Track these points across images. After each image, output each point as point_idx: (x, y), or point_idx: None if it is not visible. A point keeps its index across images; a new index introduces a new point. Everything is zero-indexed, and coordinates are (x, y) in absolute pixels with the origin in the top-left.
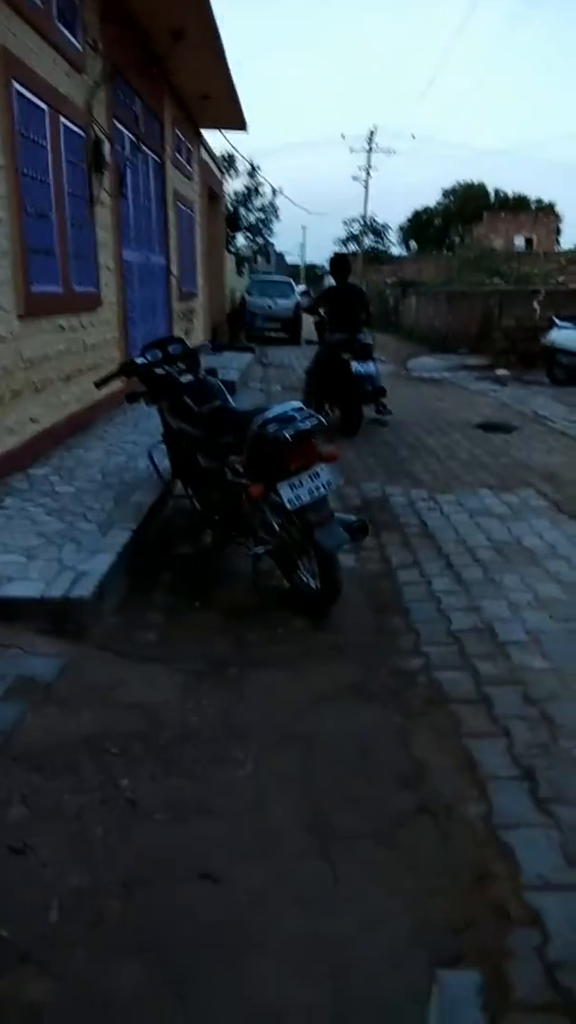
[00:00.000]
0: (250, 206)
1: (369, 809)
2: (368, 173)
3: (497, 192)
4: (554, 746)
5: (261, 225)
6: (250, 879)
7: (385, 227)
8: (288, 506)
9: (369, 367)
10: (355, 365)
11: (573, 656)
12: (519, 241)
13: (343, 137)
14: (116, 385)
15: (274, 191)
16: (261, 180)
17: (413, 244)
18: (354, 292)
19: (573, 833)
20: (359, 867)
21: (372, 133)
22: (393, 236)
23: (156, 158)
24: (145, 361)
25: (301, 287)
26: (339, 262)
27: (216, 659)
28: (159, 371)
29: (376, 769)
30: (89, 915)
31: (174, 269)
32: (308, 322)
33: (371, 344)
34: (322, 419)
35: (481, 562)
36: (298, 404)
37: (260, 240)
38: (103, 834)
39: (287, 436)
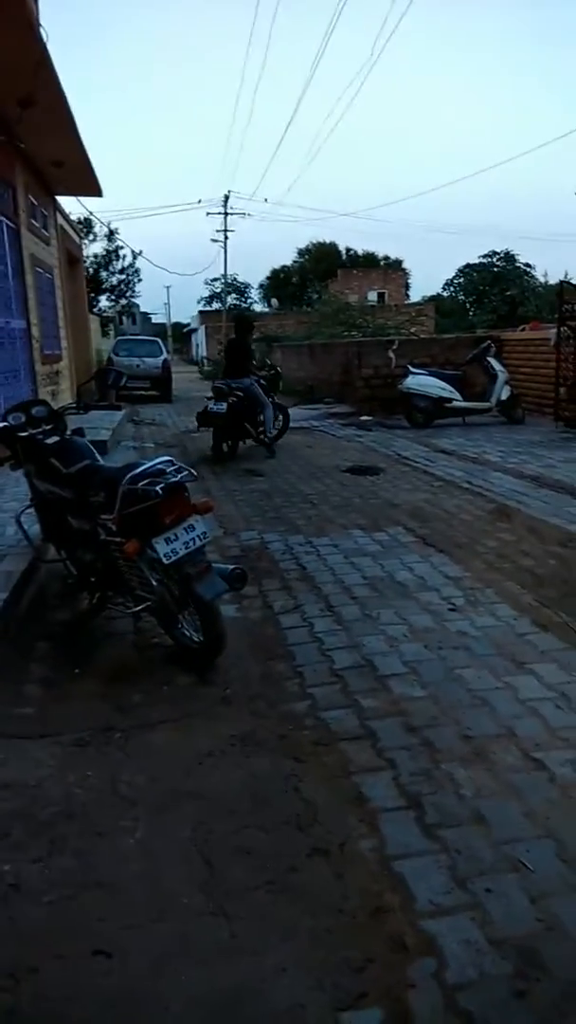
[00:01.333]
0: (111, 268)
1: (263, 858)
2: (226, 235)
3: (348, 250)
4: (436, 771)
5: (124, 287)
6: (147, 947)
7: (247, 286)
8: (165, 560)
9: (221, 406)
10: (210, 405)
11: (448, 682)
12: (372, 295)
13: (199, 201)
14: None
15: (134, 254)
16: (121, 243)
17: (275, 301)
18: (239, 346)
19: (459, 855)
20: (256, 918)
21: (227, 198)
22: (255, 294)
23: (11, 224)
24: (7, 425)
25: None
26: (237, 320)
27: (99, 726)
28: (22, 434)
29: (268, 817)
30: None
31: (35, 332)
32: (178, 379)
33: (224, 388)
34: (192, 471)
35: (358, 600)
36: (168, 458)
37: (124, 301)
38: None
39: (158, 491)
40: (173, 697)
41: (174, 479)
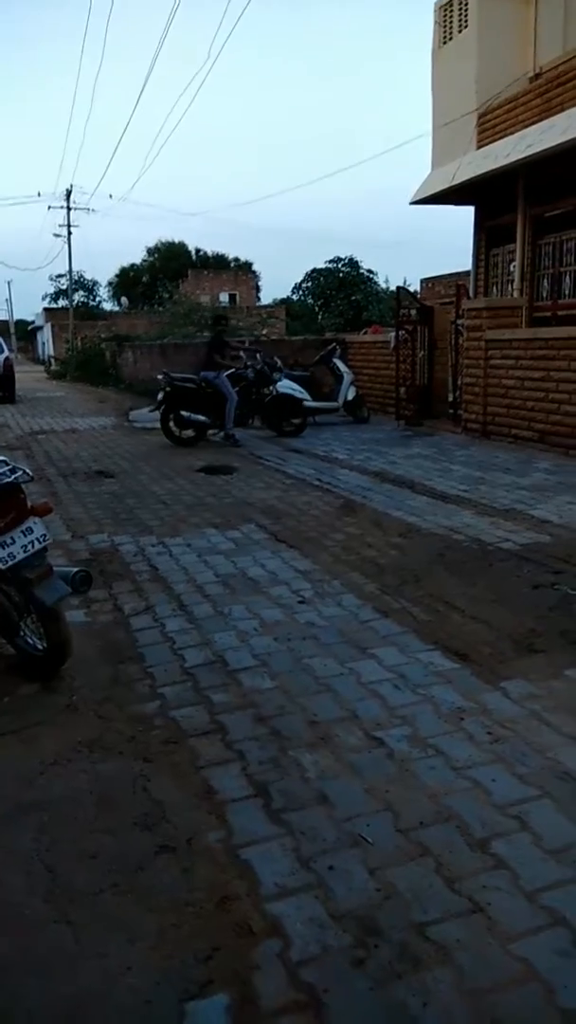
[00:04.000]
0: None
1: (109, 861)
2: (69, 231)
3: (198, 251)
4: (283, 758)
5: None
6: None
7: (95, 283)
8: (1, 565)
9: (160, 396)
10: (159, 395)
11: (296, 671)
12: (224, 297)
13: (39, 195)
14: None
15: None
16: None
17: (125, 300)
18: (210, 341)
19: (303, 836)
20: (101, 922)
21: (69, 192)
22: (103, 292)
23: None
24: None
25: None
26: (214, 317)
27: None
28: None
29: (115, 820)
30: None
31: None
32: (22, 379)
33: (162, 378)
34: (27, 471)
35: (210, 597)
36: (2, 458)
37: None
38: None
39: None
40: (15, 708)
41: (7, 480)
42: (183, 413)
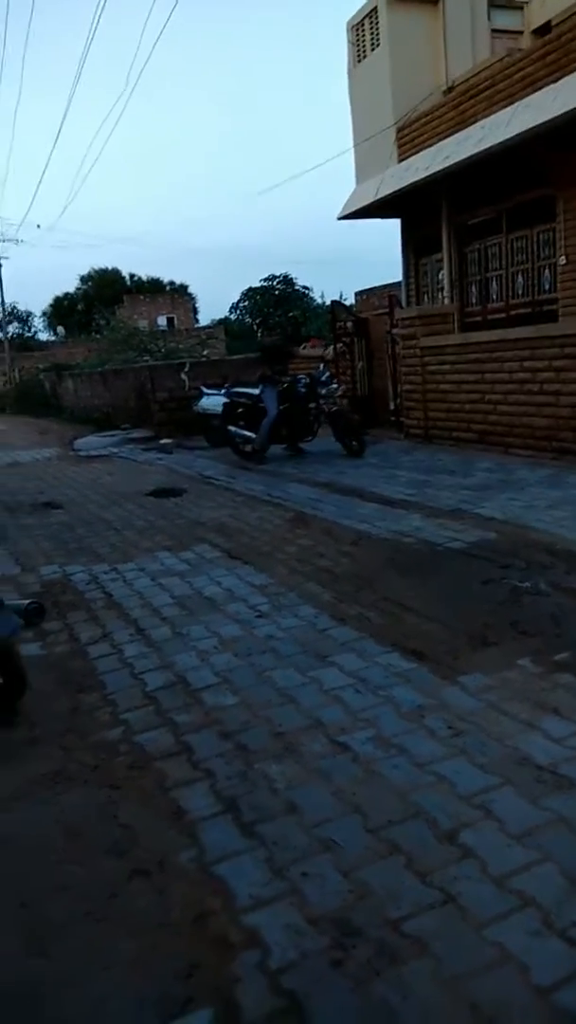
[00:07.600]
0: None
1: (81, 891)
2: None
3: (133, 276)
4: (251, 771)
5: None
6: None
7: (29, 314)
8: None
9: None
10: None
11: (258, 685)
12: (162, 320)
13: None
14: None
15: None
16: None
17: (61, 329)
18: (262, 351)
19: (275, 845)
20: (77, 952)
21: None
22: (39, 322)
23: None
24: None
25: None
26: (268, 326)
27: None
28: None
29: (84, 850)
30: None
31: None
32: None
33: (235, 392)
34: None
35: (168, 620)
36: None
37: None
38: None
39: None
40: None
41: None
42: (230, 428)
